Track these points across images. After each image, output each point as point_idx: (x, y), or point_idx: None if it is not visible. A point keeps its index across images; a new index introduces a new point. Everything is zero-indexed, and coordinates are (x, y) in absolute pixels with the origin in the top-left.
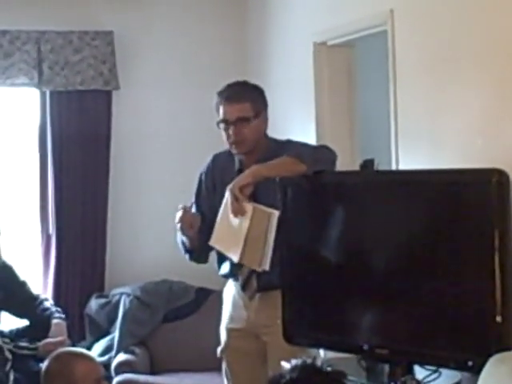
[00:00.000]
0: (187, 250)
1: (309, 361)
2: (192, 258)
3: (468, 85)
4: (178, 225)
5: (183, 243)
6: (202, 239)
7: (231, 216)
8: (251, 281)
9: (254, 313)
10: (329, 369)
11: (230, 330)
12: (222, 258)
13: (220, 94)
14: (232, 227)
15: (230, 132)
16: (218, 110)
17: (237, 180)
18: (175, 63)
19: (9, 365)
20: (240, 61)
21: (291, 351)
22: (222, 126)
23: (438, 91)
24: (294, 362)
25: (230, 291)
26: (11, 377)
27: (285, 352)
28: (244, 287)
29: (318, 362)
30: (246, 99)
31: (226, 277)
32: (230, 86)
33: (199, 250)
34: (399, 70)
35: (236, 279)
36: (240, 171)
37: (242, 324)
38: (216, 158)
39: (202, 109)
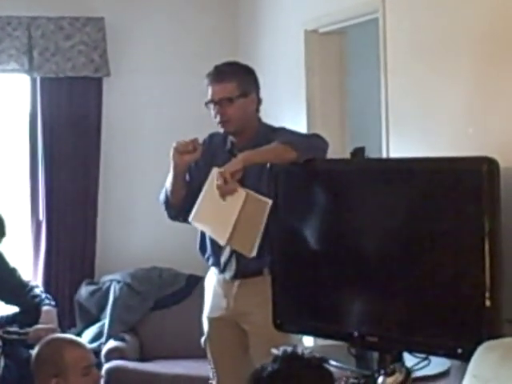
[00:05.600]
0: (166, 205)
1: (289, 349)
2: (170, 215)
3: (459, 72)
4: (173, 145)
5: (166, 196)
6: (185, 200)
7: (218, 199)
8: (231, 262)
9: (233, 300)
10: (309, 356)
11: (211, 320)
12: (203, 241)
13: (208, 75)
14: (219, 210)
15: (216, 111)
16: (207, 92)
17: (228, 165)
18: (166, 50)
19: None
20: (231, 48)
21: (273, 339)
22: (209, 105)
23: (428, 79)
24: (275, 352)
25: (211, 280)
26: (1, 363)
27: (266, 340)
28: (224, 269)
29: (299, 350)
30: (230, 79)
31: (208, 260)
32: (217, 67)
33: (181, 205)
34: (390, 58)
35: (216, 263)
36: (230, 152)
37: (222, 313)
38: (212, 136)
39: (193, 96)
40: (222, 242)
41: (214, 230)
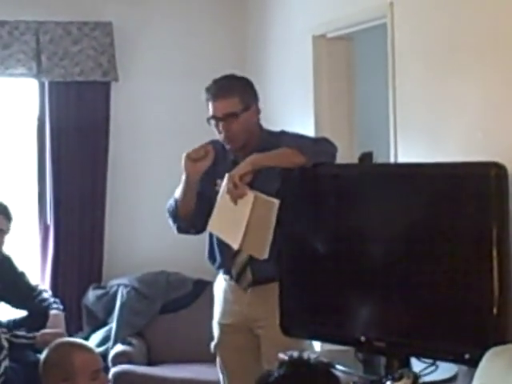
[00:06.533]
0: (175, 218)
1: (296, 355)
2: (180, 228)
3: (467, 78)
4: (184, 155)
5: (176, 208)
6: (195, 211)
7: (230, 204)
8: (246, 273)
9: (246, 307)
10: (316, 361)
11: (222, 326)
12: (212, 251)
13: (207, 90)
14: (231, 215)
15: (220, 128)
16: (207, 106)
17: (237, 169)
18: (174, 54)
19: (3, 353)
20: (239, 53)
21: (285, 344)
22: (212, 122)
23: (437, 84)
24: (281, 357)
25: (221, 286)
26: (4, 364)
27: (279, 345)
28: (238, 279)
29: (305, 355)
30: (233, 94)
31: (218, 269)
32: (216, 82)
33: (189, 218)
34: (398, 63)
35: (227, 272)
36: (234, 162)
37: (234, 319)
38: (213, 144)
39: (201, 100)
40: (235, 247)
41: (227, 235)
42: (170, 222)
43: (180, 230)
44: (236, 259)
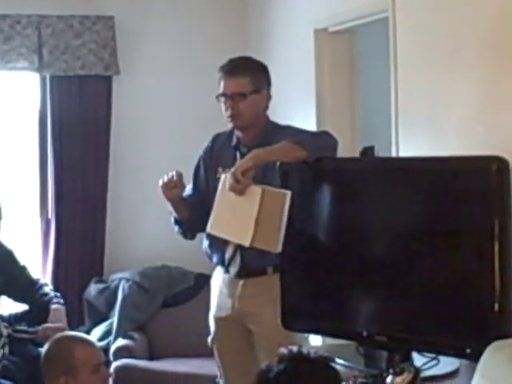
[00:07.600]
0: (176, 221)
1: (295, 350)
2: (180, 232)
3: (469, 72)
4: (160, 184)
5: (171, 212)
6: (192, 214)
7: (233, 202)
8: (236, 257)
9: (237, 301)
10: (315, 355)
11: (217, 319)
12: (211, 246)
13: (221, 68)
14: (235, 212)
15: (227, 105)
16: (219, 85)
17: (238, 164)
18: (175, 49)
19: (2, 340)
20: (241, 47)
21: (278, 339)
22: (221, 99)
23: (438, 78)
24: (282, 351)
25: (217, 280)
26: (2, 351)
27: (272, 340)
28: (229, 265)
29: (305, 350)
30: (245, 74)
31: (212, 259)
32: (231, 61)
33: (188, 224)
34: (400, 57)
35: (221, 259)
36: (236, 148)
37: (228, 312)
38: (216, 138)
39: (202, 94)
40: (245, 244)
41: (234, 234)
42: (176, 230)
43: (185, 234)
44: (229, 245)
